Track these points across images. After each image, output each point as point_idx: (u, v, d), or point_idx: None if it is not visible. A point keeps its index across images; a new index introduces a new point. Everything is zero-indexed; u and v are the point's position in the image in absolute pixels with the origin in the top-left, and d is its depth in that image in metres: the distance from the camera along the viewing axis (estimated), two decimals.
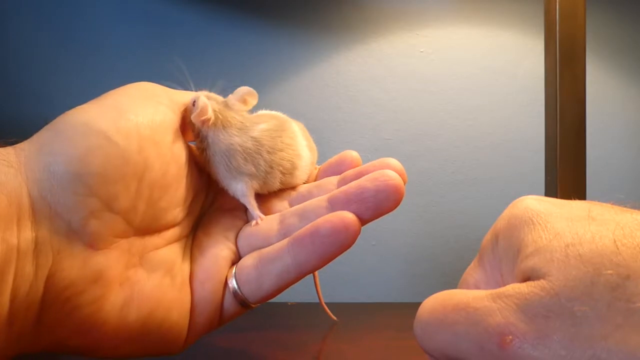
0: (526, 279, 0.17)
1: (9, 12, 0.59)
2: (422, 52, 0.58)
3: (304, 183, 0.32)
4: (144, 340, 0.26)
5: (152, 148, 0.26)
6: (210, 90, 0.30)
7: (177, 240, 0.29)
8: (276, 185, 0.30)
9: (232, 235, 0.29)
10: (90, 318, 0.24)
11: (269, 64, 0.58)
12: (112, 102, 0.26)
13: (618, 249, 0.15)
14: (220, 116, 0.29)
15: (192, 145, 0.30)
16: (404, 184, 0.27)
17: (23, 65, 0.59)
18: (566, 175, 0.41)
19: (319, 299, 0.39)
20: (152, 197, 0.26)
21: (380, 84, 0.58)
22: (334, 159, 0.32)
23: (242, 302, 0.28)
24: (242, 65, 0.58)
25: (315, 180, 0.32)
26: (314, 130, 0.34)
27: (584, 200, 0.19)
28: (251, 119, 0.30)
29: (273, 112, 0.32)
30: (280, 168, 0.30)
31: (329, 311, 0.41)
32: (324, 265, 0.27)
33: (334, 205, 0.27)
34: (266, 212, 0.30)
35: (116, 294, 0.25)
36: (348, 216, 0.26)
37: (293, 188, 0.32)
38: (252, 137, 0.29)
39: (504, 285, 0.17)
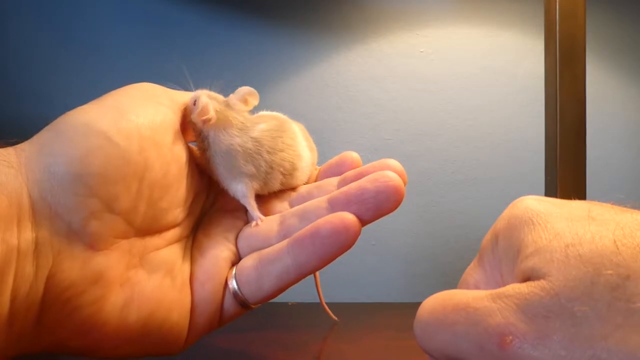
0: (526, 279, 0.17)
1: (9, 12, 0.59)
2: (422, 52, 0.58)
3: (304, 184, 0.32)
4: (144, 340, 0.26)
5: (152, 148, 0.26)
6: (210, 90, 0.30)
7: (178, 240, 0.29)
8: (276, 186, 0.30)
9: (232, 236, 0.29)
10: (90, 319, 0.24)
11: (269, 64, 0.58)
12: (113, 103, 0.26)
13: (618, 249, 0.15)
14: (221, 116, 0.29)
15: (193, 145, 0.30)
16: (404, 184, 0.27)
17: (23, 65, 0.59)
18: (566, 175, 0.41)
19: (320, 299, 0.39)
20: (152, 198, 0.26)
21: (380, 84, 0.58)
22: (334, 159, 0.32)
23: (242, 303, 0.28)
24: (242, 65, 0.58)
25: (315, 181, 0.32)
26: (314, 131, 0.34)
27: (584, 200, 0.19)
28: (251, 119, 0.30)
29: (274, 113, 0.32)
30: (281, 169, 0.30)
31: (329, 311, 0.41)
32: (324, 266, 0.27)
33: (334, 206, 0.27)
34: (266, 213, 0.30)
35: (116, 294, 0.25)
36: (348, 217, 0.26)
37: (293, 189, 0.32)
38: (252, 137, 0.29)
39: (504, 285, 0.17)
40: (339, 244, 0.26)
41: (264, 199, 0.31)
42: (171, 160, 0.27)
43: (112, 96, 0.26)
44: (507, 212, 0.20)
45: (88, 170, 0.23)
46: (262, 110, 0.32)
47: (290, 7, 0.58)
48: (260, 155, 0.29)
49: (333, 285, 0.57)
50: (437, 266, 0.58)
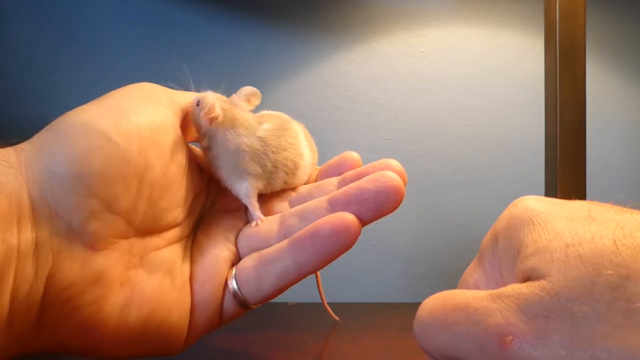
0: (526, 279, 0.17)
1: (9, 12, 0.59)
2: (422, 52, 0.58)
3: (304, 184, 0.32)
4: (144, 340, 0.26)
5: (152, 148, 0.25)
6: (213, 91, 0.30)
7: (178, 240, 0.29)
8: (279, 185, 0.30)
9: (232, 236, 0.29)
10: (90, 319, 0.24)
11: (269, 64, 0.58)
12: (113, 103, 0.26)
13: (618, 249, 0.15)
14: (228, 114, 0.29)
15: (193, 145, 0.30)
16: (404, 185, 0.27)
17: (23, 65, 0.59)
18: (566, 175, 0.41)
19: (322, 299, 0.39)
20: (152, 198, 0.26)
21: (380, 84, 0.58)
22: (334, 160, 0.32)
23: (242, 303, 0.28)
24: (242, 65, 0.58)
25: (315, 181, 0.32)
26: (314, 131, 0.34)
27: (584, 200, 0.19)
28: (255, 118, 0.30)
29: (275, 112, 0.32)
30: (285, 168, 0.30)
31: (331, 311, 0.41)
32: (324, 266, 0.27)
33: (334, 206, 0.27)
34: (266, 212, 0.30)
35: (116, 294, 0.25)
36: (348, 217, 0.26)
37: (293, 189, 0.32)
38: (258, 137, 0.29)
39: (504, 285, 0.17)
40: (339, 244, 0.26)
41: (264, 198, 0.31)
42: (171, 160, 0.27)
43: (112, 96, 0.26)
44: (507, 212, 0.20)
45: (88, 170, 0.23)
46: (263, 110, 0.32)
47: (290, 7, 0.58)
48: (266, 155, 0.29)
49: (333, 285, 0.57)
50: (437, 266, 0.58)
